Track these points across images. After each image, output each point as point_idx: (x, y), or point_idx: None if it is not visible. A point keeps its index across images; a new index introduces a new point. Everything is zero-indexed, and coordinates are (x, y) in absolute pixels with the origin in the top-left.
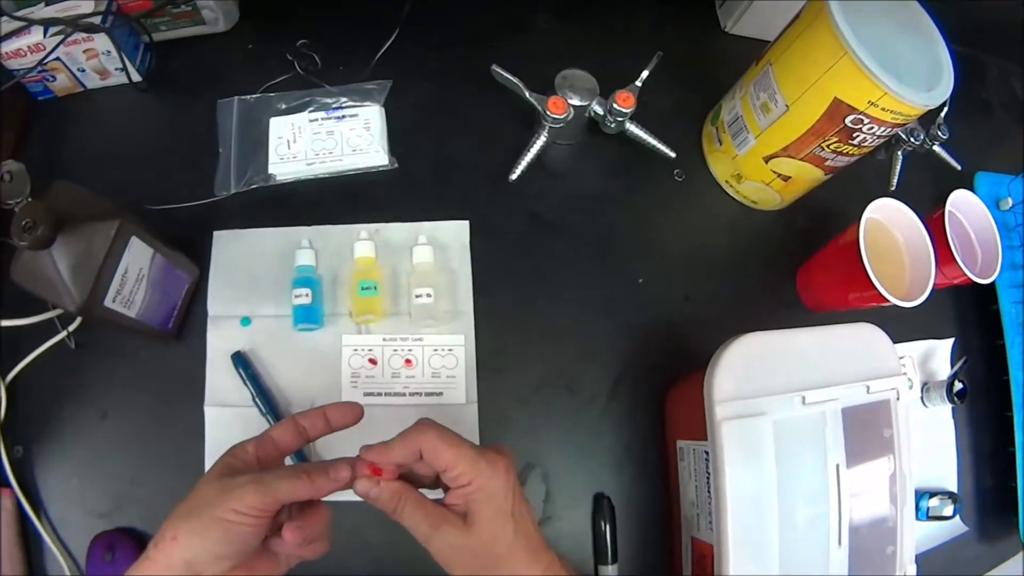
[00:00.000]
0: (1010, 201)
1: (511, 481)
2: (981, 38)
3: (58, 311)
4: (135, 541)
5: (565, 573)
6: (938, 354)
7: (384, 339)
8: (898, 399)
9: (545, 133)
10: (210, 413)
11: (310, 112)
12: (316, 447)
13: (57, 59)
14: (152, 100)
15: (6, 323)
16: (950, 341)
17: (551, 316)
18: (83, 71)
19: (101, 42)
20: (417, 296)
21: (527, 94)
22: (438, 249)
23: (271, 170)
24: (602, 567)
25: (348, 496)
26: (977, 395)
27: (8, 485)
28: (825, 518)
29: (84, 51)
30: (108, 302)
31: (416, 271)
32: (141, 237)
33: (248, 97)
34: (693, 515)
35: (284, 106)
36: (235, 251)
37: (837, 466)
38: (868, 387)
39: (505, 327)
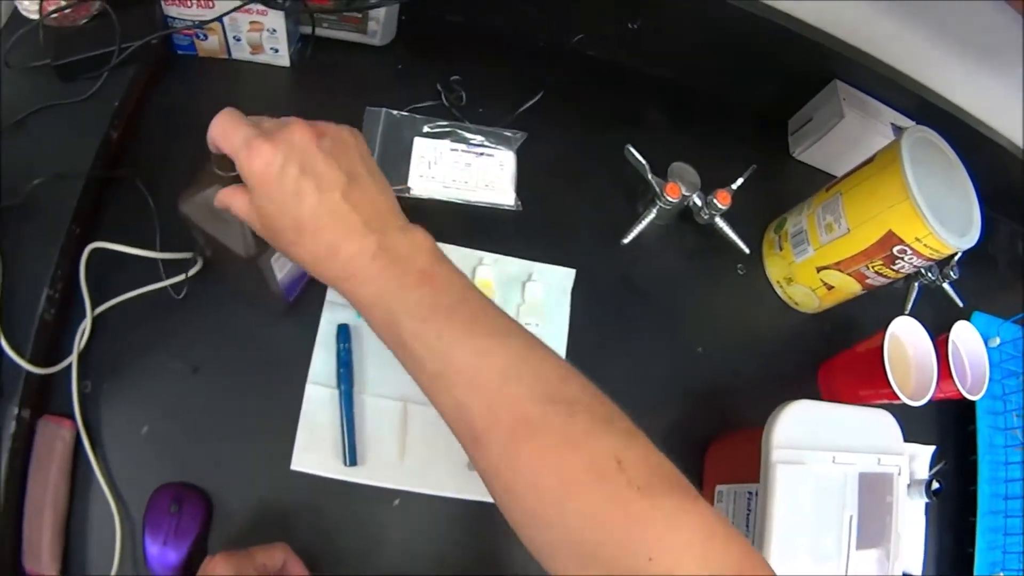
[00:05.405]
0: (998, 340)
1: (298, 144)
2: (997, 200)
3: (168, 254)
4: (203, 499)
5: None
6: (920, 457)
7: None
8: (899, 474)
9: (655, 211)
10: (311, 391)
11: (452, 141)
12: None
13: (219, 20)
14: (295, 86)
15: (129, 249)
16: (931, 448)
17: (623, 365)
18: (238, 40)
19: (272, 19)
20: (527, 324)
21: (649, 176)
22: (544, 287)
23: (410, 183)
24: None
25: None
26: (947, 500)
27: (72, 418)
28: (836, 557)
29: (250, 22)
30: (272, 258)
31: (526, 302)
32: None
33: (395, 112)
34: None
35: (428, 129)
36: None
37: (851, 517)
38: (879, 459)
39: (585, 366)
